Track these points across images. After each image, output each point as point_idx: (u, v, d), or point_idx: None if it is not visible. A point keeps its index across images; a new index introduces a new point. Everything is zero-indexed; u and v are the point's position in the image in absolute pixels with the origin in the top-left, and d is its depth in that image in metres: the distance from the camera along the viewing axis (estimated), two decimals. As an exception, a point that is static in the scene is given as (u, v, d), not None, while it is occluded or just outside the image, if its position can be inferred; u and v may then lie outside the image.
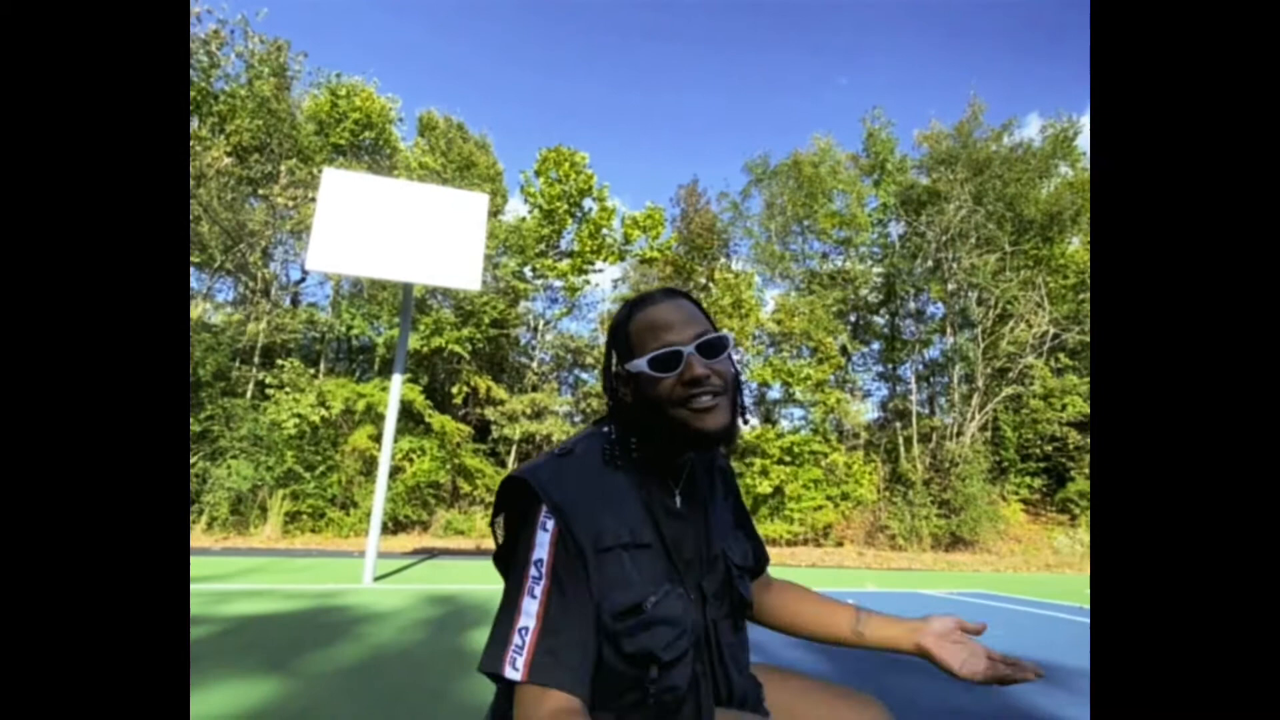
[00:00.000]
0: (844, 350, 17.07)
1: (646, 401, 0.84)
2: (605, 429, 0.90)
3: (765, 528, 13.77)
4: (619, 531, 0.78)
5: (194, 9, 11.44)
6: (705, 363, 0.82)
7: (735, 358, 0.93)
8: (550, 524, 0.77)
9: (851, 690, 0.98)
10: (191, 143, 11.94)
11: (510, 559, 0.81)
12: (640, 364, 0.83)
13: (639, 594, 0.76)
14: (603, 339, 17.41)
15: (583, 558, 0.75)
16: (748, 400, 0.93)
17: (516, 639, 0.73)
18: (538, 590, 0.75)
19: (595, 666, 0.75)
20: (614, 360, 0.90)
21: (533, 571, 0.76)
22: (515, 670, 0.71)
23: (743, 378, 0.92)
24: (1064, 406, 15.48)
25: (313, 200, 11.19)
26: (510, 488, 0.82)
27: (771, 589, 1.09)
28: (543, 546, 0.76)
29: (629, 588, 0.76)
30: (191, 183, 11.86)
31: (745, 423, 0.90)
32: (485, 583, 5.82)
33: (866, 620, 0.97)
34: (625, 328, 0.89)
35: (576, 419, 15.82)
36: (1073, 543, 14.30)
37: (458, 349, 13.29)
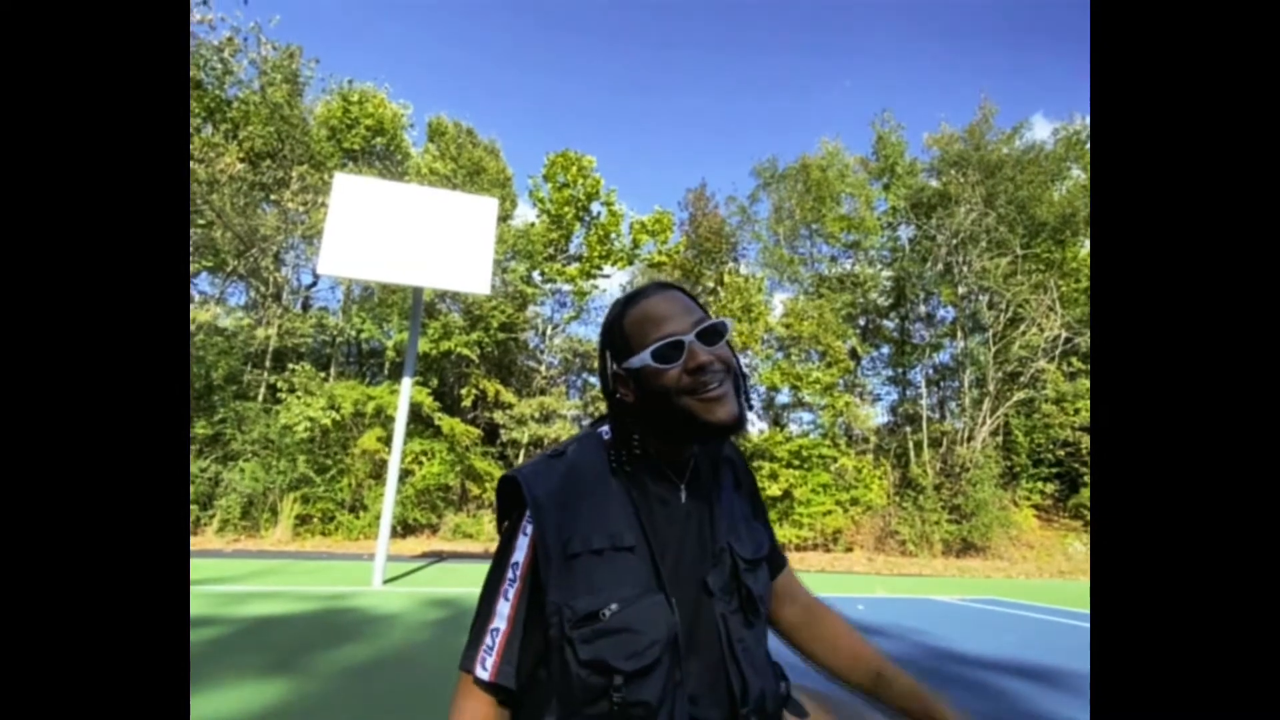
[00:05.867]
0: (853, 354, 16.97)
1: (653, 396, 0.82)
2: (600, 430, 0.91)
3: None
4: (593, 537, 0.78)
5: (208, 15, 11.58)
6: (707, 349, 0.81)
7: (744, 360, 0.93)
8: (530, 528, 0.80)
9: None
10: (205, 149, 12.08)
11: (497, 556, 0.84)
12: (644, 357, 0.81)
13: (599, 601, 0.75)
14: (611, 343, 17.38)
15: (550, 563, 0.77)
16: (752, 393, 0.93)
17: (488, 639, 0.78)
18: (511, 593, 0.79)
19: (561, 673, 0.76)
20: (609, 360, 0.88)
21: (509, 574, 0.80)
22: (485, 670, 0.77)
23: (747, 374, 0.93)
24: (1077, 411, 15.28)
25: (324, 205, 11.29)
26: (503, 487, 0.86)
27: (799, 605, 1.04)
28: (521, 550, 0.80)
29: (592, 594, 0.76)
30: (205, 188, 12.00)
31: (750, 408, 0.88)
32: (493, 586, 5.82)
33: (895, 676, 0.93)
34: (619, 325, 0.86)
35: (585, 422, 15.79)
36: (1086, 549, 14.11)
37: (466, 352, 13.33)
